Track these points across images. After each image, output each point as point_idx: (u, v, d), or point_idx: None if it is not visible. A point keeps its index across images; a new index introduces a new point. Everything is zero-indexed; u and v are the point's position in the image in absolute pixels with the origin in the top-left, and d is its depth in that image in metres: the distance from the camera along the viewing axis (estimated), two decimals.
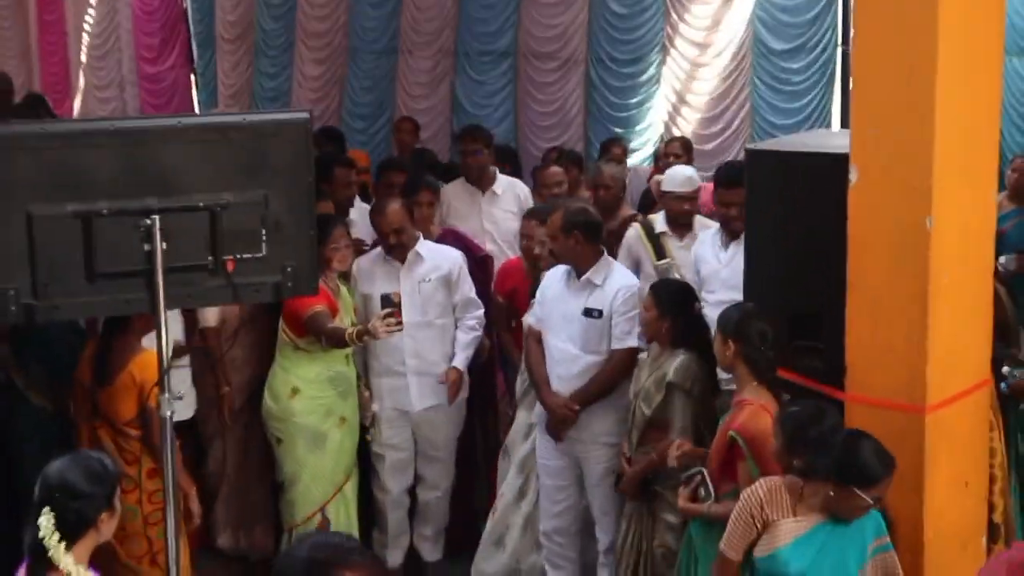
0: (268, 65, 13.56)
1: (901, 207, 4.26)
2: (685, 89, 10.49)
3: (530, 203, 7.44)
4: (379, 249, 6.23)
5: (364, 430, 6.21)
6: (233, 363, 6.12)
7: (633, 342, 5.57)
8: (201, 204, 4.11)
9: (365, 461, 6.31)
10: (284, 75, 13.41)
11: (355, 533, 5.99)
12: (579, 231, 5.63)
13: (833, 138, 4.89)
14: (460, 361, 6.27)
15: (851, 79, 4.53)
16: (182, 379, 5.83)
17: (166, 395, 4.22)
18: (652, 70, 10.65)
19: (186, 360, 5.97)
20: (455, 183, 7.75)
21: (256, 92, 13.87)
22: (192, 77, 14.61)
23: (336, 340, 5.74)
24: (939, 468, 4.38)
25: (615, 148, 9.39)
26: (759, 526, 4.03)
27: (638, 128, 10.80)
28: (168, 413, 4.24)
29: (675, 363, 5.20)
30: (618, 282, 5.62)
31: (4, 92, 10.33)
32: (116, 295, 4.13)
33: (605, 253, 5.77)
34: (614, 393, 5.61)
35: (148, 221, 4.03)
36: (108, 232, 4.03)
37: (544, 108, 11.39)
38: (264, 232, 4.19)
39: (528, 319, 5.96)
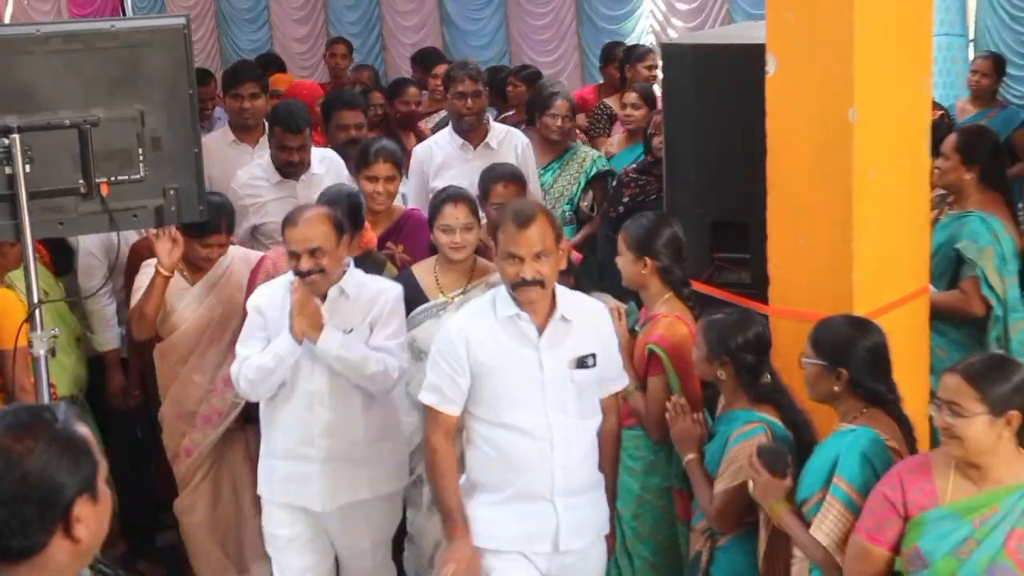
0: None
1: (822, 98, 4.02)
2: None
3: (530, 159, 5.89)
4: (290, 275, 4.27)
5: None
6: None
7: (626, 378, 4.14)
8: (68, 122, 3.89)
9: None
10: None
11: None
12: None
13: (755, 29, 4.65)
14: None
15: None
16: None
17: (38, 332, 3.90)
18: None
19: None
20: (441, 134, 6.00)
21: (223, 11, 13.01)
22: None
23: None
24: None
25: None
26: None
27: (629, 37, 10.21)
28: (42, 352, 3.90)
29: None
30: (593, 304, 4.01)
31: None
32: None
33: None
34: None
35: (7, 141, 3.79)
36: None
37: (537, 20, 10.90)
38: (140, 151, 3.99)
39: (426, 397, 3.87)
